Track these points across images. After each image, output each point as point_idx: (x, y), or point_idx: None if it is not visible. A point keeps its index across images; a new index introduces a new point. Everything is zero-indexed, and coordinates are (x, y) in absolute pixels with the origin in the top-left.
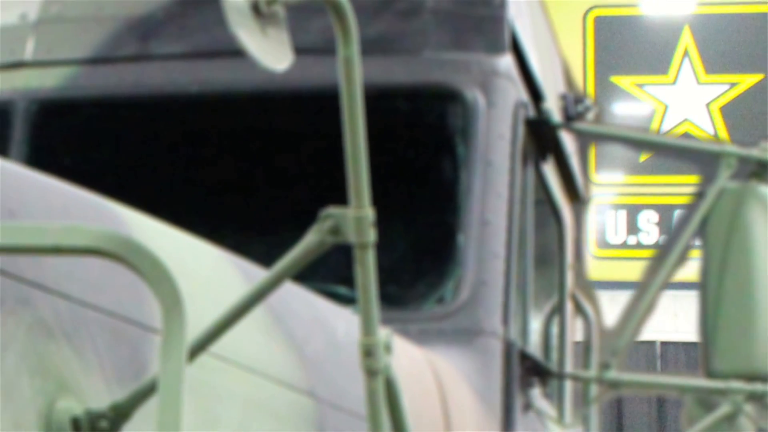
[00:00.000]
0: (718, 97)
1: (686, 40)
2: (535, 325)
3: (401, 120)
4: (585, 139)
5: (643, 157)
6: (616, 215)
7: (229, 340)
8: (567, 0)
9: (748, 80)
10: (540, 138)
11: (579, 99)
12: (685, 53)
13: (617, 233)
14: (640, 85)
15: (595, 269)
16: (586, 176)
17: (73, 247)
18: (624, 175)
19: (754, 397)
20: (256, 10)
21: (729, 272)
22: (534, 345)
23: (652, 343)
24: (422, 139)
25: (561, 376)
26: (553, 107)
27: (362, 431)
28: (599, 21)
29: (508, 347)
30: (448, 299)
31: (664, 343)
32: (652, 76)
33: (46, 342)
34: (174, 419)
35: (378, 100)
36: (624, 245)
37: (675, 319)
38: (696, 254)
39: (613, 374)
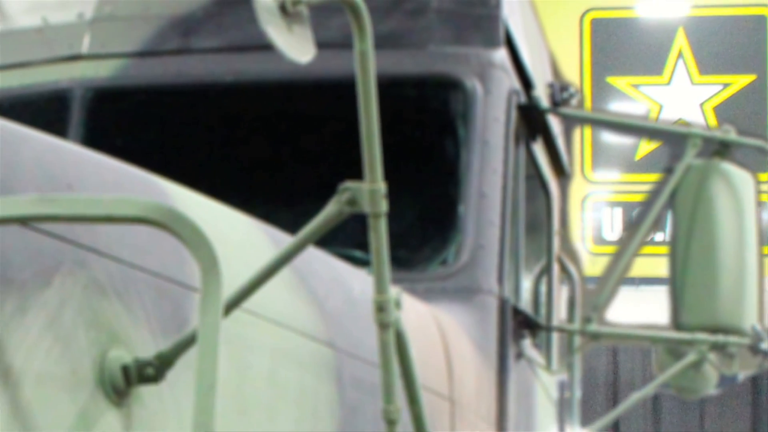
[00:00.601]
0: (712, 97)
1: (680, 42)
2: (526, 284)
3: (409, 105)
4: (569, 122)
5: (639, 156)
6: (612, 212)
7: (260, 297)
8: (564, 2)
9: (740, 81)
10: (530, 121)
11: (564, 87)
12: (680, 54)
13: (613, 230)
14: (636, 86)
15: (592, 265)
16: (570, 154)
17: (124, 216)
18: (620, 174)
19: (716, 347)
20: (283, 9)
21: (695, 238)
22: (525, 302)
23: None
24: (427, 122)
25: (548, 329)
26: (541, 94)
27: (375, 378)
28: (596, 23)
29: (502, 303)
30: (450, 261)
31: None
32: (647, 77)
33: (100, 299)
34: (211, 367)
35: (389, 88)
36: (619, 242)
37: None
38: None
39: (594, 327)
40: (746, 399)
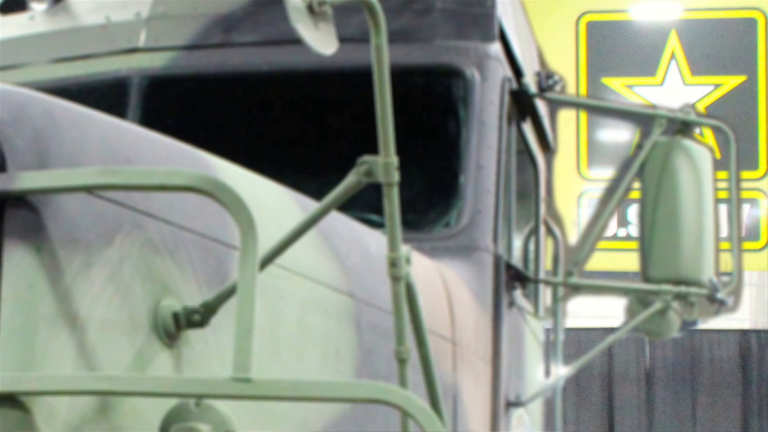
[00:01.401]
0: (704, 97)
1: (673, 44)
2: (517, 243)
3: (418, 91)
4: (554, 105)
5: (632, 154)
6: None
7: (290, 255)
8: (560, 6)
9: (731, 81)
10: (520, 104)
11: (549, 75)
12: (672, 56)
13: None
14: (630, 86)
15: (588, 260)
16: (555, 132)
17: (175, 185)
18: (614, 172)
19: (679, 297)
20: (310, 9)
21: (660, 204)
22: (516, 258)
23: None
24: (433, 105)
25: (536, 281)
26: (530, 81)
27: (388, 323)
28: (591, 26)
29: (497, 260)
30: (452, 224)
31: None
32: (641, 78)
33: (154, 256)
34: (249, 314)
35: (400, 76)
36: (614, 237)
37: None
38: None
39: (574, 280)
40: (737, 389)
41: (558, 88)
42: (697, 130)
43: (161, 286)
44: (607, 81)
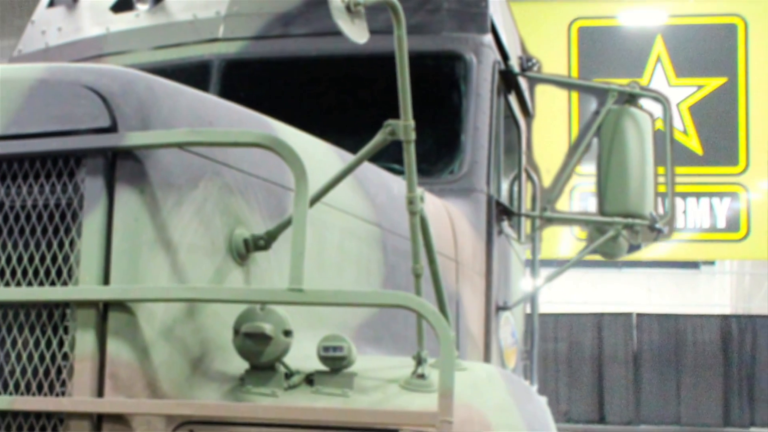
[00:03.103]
0: (687, 98)
1: (659, 48)
2: (504, 186)
3: (429, 71)
4: (532, 81)
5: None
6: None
7: (333, 194)
8: (554, 13)
9: (713, 83)
10: (507, 80)
11: (528, 59)
12: (658, 59)
13: None
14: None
15: (579, 249)
16: (533, 101)
17: (245, 142)
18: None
19: (627, 226)
20: (348, 8)
21: (612, 156)
22: (504, 197)
23: (628, 315)
24: (441, 82)
25: (519, 215)
26: (514, 63)
27: (406, 246)
28: (582, 31)
29: (489, 198)
30: (455, 171)
31: (639, 315)
32: (628, 79)
33: (229, 196)
34: (301, 240)
35: (416, 59)
36: None
37: (649, 293)
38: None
39: (548, 213)
40: (718, 370)
41: (535, 68)
42: (640, 101)
43: (235, 219)
44: (597, 82)
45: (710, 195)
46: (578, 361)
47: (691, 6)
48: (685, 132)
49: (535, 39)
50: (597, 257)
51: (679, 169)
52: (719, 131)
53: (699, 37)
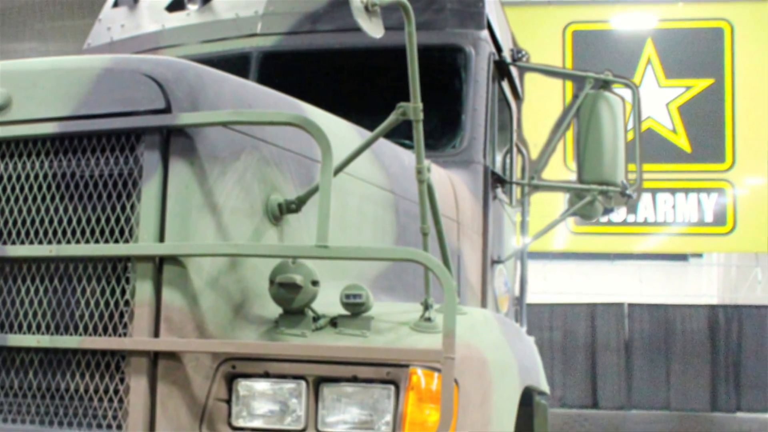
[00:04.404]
0: (676, 98)
1: (649, 51)
2: (498, 158)
3: (435, 61)
4: (522, 70)
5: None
6: None
7: (353, 165)
8: (549, 17)
9: (701, 84)
10: (500, 69)
11: (519, 51)
12: (648, 61)
13: None
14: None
15: (573, 243)
16: (522, 86)
17: (279, 121)
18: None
19: (602, 193)
20: (366, 8)
21: (590, 133)
22: (498, 168)
23: (620, 305)
24: (445, 70)
25: (510, 183)
26: (506, 54)
27: (416, 210)
28: (576, 34)
29: (485, 169)
30: (457, 146)
31: (630, 305)
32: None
33: (266, 167)
34: (326, 204)
35: (424, 51)
36: (597, 222)
37: (640, 284)
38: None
39: (535, 182)
40: (706, 358)
41: (524, 59)
42: (613, 87)
43: (270, 186)
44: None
45: (698, 191)
46: (572, 349)
47: (680, 11)
48: (674, 130)
49: (532, 42)
50: (591, 250)
51: (668, 166)
52: (707, 130)
53: (687, 40)
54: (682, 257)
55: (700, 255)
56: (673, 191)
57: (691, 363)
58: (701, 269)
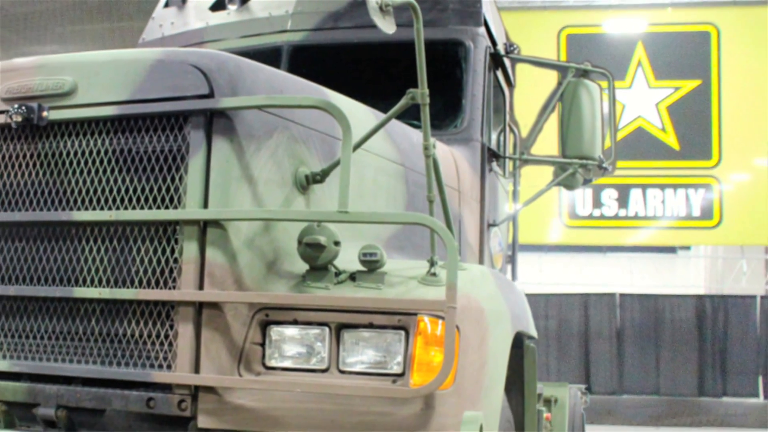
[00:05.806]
0: (665, 98)
1: (640, 53)
2: (494, 136)
3: (439, 54)
4: (513, 61)
5: (607, 146)
6: (583, 193)
7: (370, 142)
8: (544, 21)
9: (689, 85)
10: (495, 60)
11: (511, 44)
12: (639, 63)
13: (584, 207)
14: (603, 89)
15: (567, 236)
16: (514, 75)
17: (306, 105)
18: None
19: (582, 166)
20: (380, 8)
21: (572, 115)
22: (493, 144)
23: (612, 295)
24: (448, 61)
25: (504, 157)
26: (501, 48)
27: (423, 180)
28: (570, 37)
29: (482, 146)
30: (458, 126)
31: (622, 295)
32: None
33: (295, 144)
34: (346, 176)
35: (430, 45)
36: (590, 216)
37: (631, 275)
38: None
39: (525, 156)
40: (694, 345)
41: (516, 52)
42: (592, 75)
43: (299, 160)
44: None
45: (686, 186)
46: (567, 337)
47: (669, 15)
48: (663, 129)
49: (528, 45)
50: (585, 243)
51: (657, 163)
52: (694, 128)
53: (676, 43)
54: (671, 250)
55: (688, 247)
56: (662, 187)
57: (680, 350)
58: (689, 261)
